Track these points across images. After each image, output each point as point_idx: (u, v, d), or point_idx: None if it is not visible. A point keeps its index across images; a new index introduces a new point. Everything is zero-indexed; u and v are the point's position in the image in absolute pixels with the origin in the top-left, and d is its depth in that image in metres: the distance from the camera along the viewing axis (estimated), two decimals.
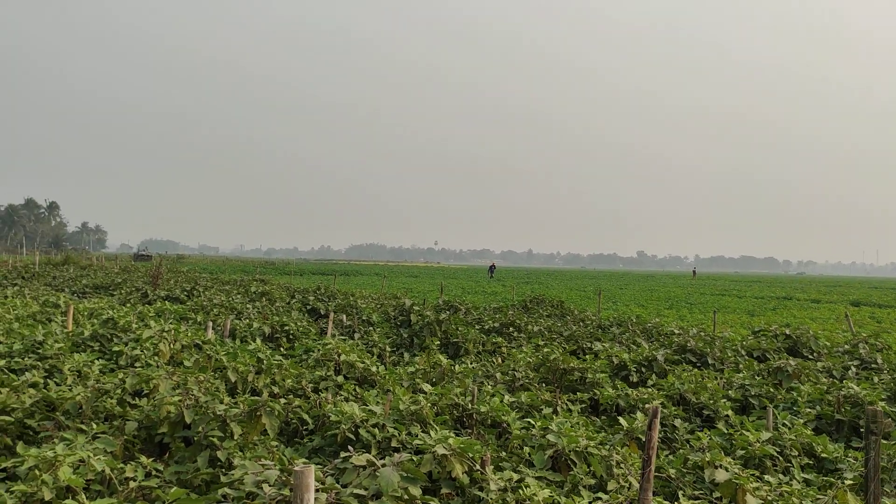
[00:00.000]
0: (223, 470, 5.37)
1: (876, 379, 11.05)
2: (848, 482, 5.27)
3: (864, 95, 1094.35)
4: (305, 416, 7.01)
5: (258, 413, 6.05)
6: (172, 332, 9.79)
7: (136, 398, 6.85)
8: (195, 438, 5.78)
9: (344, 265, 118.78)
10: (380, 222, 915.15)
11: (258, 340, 10.64)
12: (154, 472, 5.23)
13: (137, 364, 8.98)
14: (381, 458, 5.34)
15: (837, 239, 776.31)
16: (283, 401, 6.84)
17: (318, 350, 10.23)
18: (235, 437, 5.77)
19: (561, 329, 17.04)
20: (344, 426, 6.36)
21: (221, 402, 6.23)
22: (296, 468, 2.83)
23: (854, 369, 12.32)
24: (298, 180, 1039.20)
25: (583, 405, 9.16)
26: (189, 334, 10.25)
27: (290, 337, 13.50)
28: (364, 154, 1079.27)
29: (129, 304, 18.28)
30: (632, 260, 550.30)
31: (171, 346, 9.41)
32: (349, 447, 5.55)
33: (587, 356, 12.11)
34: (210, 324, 11.75)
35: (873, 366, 12.83)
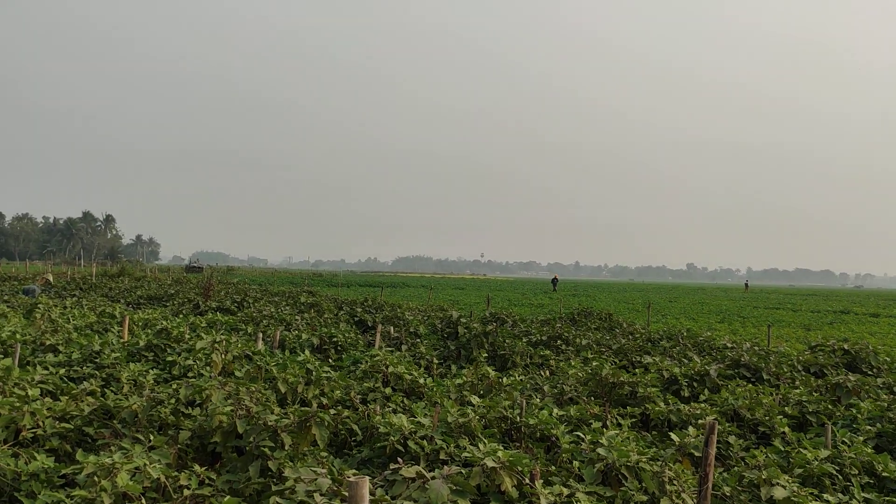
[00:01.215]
0: (274, 480, 5.43)
1: None
2: None
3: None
4: (354, 427, 7.06)
5: (308, 424, 6.11)
6: (224, 342, 9.98)
7: (190, 408, 6.99)
8: (247, 448, 5.86)
9: (391, 277, 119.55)
10: (426, 234, 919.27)
11: (307, 352, 10.75)
12: (207, 481, 5.33)
13: (190, 374, 9.18)
14: (429, 471, 5.34)
15: None
16: (332, 412, 6.90)
17: (366, 362, 10.30)
18: (286, 448, 5.84)
19: (610, 342, 16.83)
20: (392, 438, 6.38)
21: (272, 413, 6.31)
22: (350, 479, 2.86)
23: None
24: (346, 193, 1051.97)
25: (633, 420, 9.02)
26: (240, 345, 10.43)
27: (339, 348, 13.63)
28: (411, 168, 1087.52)
29: (181, 315, 18.72)
30: (681, 272, 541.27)
31: (223, 356, 9.59)
32: (398, 459, 5.57)
33: (637, 370, 11.94)
34: (260, 335, 11.94)
35: None
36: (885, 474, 6.80)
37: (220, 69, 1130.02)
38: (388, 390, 9.07)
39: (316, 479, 4.22)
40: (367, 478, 3.08)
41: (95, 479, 4.72)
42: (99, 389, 7.24)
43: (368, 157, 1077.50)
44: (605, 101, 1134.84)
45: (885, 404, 9.54)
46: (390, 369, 9.86)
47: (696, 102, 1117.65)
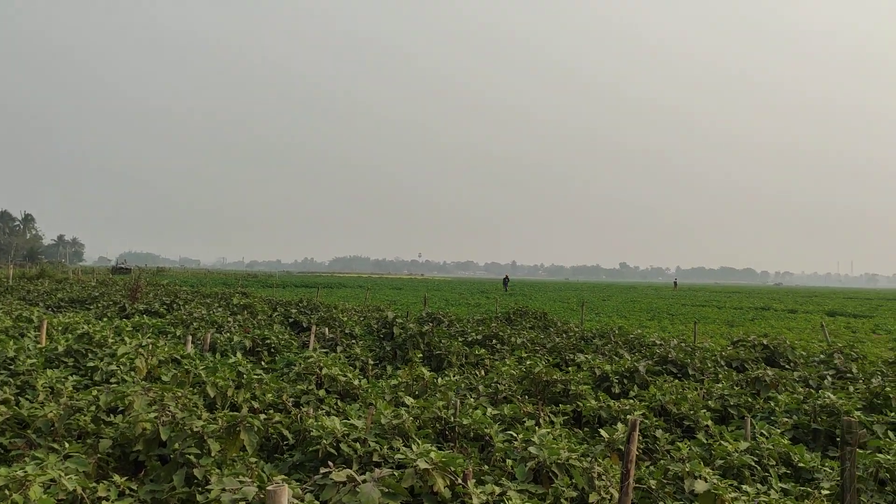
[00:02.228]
0: (200, 488, 5.30)
1: (851, 388, 11.18)
2: (825, 491, 5.31)
3: (839, 105, 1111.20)
4: (285, 432, 6.95)
5: (237, 429, 5.99)
6: (150, 346, 9.70)
7: (111, 415, 6.77)
8: (171, 456, 5.70)
9: (327, 277, 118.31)
10: (364, 234, 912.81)
11: (239, 354, 10.56)
12: (128, 492, 5.16)
13: (113, 380, 8.88)
14: (362, 474, 5.31)
15: (813, 250, 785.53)
16: (262, 416, 6.78)
17: (300, 364, 10.17)
18: (213, 454, 5.71)
19: (544, 341, 17.06)
20: (325, 441, 6.32)
21: (199, 419, 6.16)
22: (269, 487, 2.81)
23: (830, 379, 12.46)
24: (281, 192, 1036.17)
25: (565, 417, 9.17)
26: (167, 349, 10.15)
27: (272, 350, 13.42)
28: (347, 166, 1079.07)
29: (105, 319, 18.09)
30: (614, 271, 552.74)
31: (148, 361, 9.31)
32: (330, 462, 5.52)
33: (570, 368, 12.15)
34: (189, 338, 11.66)
35: (848, 375, 12.97)
36: (800, 465, 7.10)
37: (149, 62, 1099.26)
38: (321, 392, 8.98)
39: (241, 488, 4.14)
40: (286, 485, 3.03)
41: (6, 492, 4.51)
42: (13, 398, 6.93)
43: (304, 158, 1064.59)
44: (532, 105, 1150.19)
45: (801, 397, 9.95)
46: (324, 371, 9.76)
47: (621, 111, 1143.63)
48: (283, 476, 5.43)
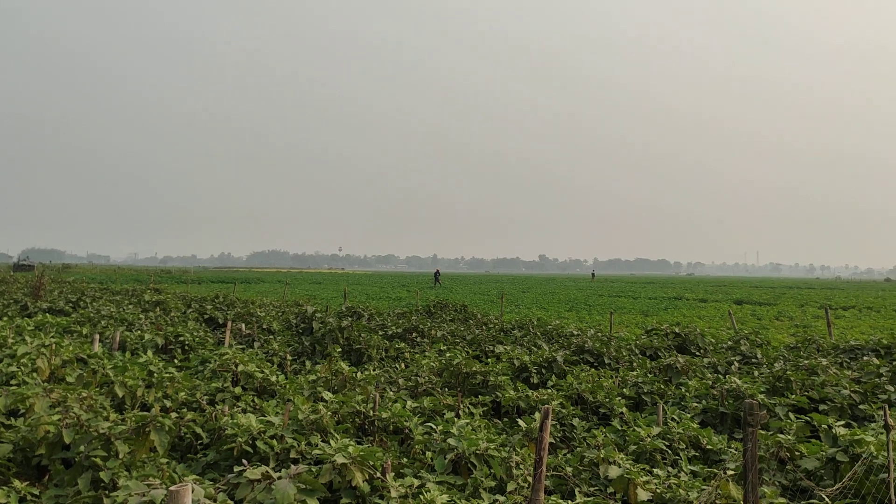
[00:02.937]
0: (107, 492, 5.08)
1: (756, 373, 11.70)
2: (730, 472, 5.53)
3: (773, 93, 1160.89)
4: (199, 431, 6.75)
5: (146, 429, 5.78)
6: (53, 346, 9.23)
7: (12, 419, 6.41)
8: (76, 459, 5.45)
9: (245, 273, 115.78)
10: (283, 229, 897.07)
11: (150, 352, 10.18)
12: (30, 497, 4.91)
13: (13, 382, 8.41)
14: (278, 471, 5.21)
15: (722, 241, 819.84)
16: (174, 415, 6.56)
17: (215, 360, 9.91)
18: (121, 457, 5.48)
19: (464, 333, 17.18)
20: (240, 439, 6.17)
21: (106, 420, 5.92)
22: (171, 488, 2.71)
23: (737, 364, 13.01)
24: (195, 185, 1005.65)
25: (485, 408, 9.26)
26: (72, 348, 9.69)
27: (186, 348, 13.01)
28: (265, 158, 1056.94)
29: (6, 318, 17.15)
30: (534, 264, 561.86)
31: (51, 361, 8.87)
32: (245, 461, 5.39)
33: (489, 359, 12.26)
34: (97, 336, 11.16)
35: (753, 360, 13.59)
36: (708, 447, 7.39)
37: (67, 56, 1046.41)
38: (237, 390, 8.76)
39: (149, 491, 3.99)
40: (190, 484, 2.94)
41: None
42: None
43: (218, 149, 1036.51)
44: (467, 87, 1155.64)
45: (710, 382, 10.36)
46: (240, 368, 9.54)
47: (555, 94, 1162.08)
48: (195, 476, 5.27)
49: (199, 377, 9.69)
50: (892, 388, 9.83)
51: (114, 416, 6.18)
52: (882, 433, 6.22)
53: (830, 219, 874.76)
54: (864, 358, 12.52)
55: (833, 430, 6.69)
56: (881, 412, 7.88)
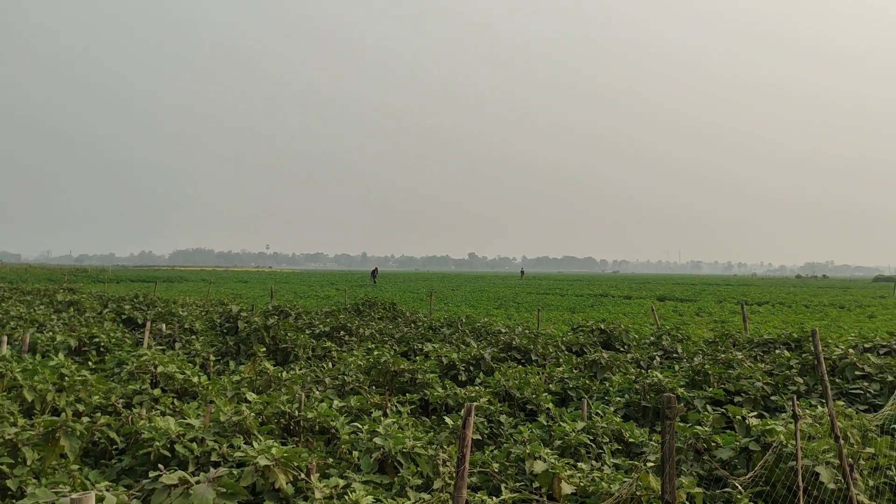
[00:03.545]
0: (14, 500, 4.83)
1: (677, 367, 12.07)
2: (650, 464, 5.67)
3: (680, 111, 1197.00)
4: (114, 435, 6.49)
5: (56, 434, 5.52)
6: None
7: None
8: None
9: (167, 271, 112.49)
10: (207, 226, 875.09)
11: (62, 355, 9.74)
12: None
13: None
14: (198, 475, 5.05)
15: (646, 240, 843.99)
16: (87, 419, 6.29)
17: (132, 362, 9.57)
18: (29, 463, 5.23)
19: (393, 331, 17.12)
20: (158, 443, 5.96)
21: (13, 425, 5.63)
22: (73, 496, 2.58)
23: (658, 359, 13.38)
24: (114, 179, 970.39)
25: (413, 406, 9.23)
26: None
27: (101, 350, 12.53)
28: (186, 151, 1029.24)
29: None
30: (464, 261, 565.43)
31: None
32: (163, 465, 5.21)
33: (418, 357, 12.25)
34: (5, 339, 10.63)
35: (675, 355, 14.01)
36: (631, 440, 7.56)
37: None
38: (157, 392, 8.48)
39: (56, 499, 3.80)
40: (94, 493, 2.81)
41: None
42: None
43: (138, 141, 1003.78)
44: (406, 72, 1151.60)
45: (633, 377, 10.62)
46: (160, 369, 9.24)
47: (477, 116, 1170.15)
48: (108, 482, 5.06)
49: (115, 380, 9.35)
50: (801, 380, 10.29)
51: (22, 422, 5.89)
52: (791, 423, 6.49)
53: (747, 217, 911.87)
54: (777, 351, 13.08)
55: (746, 421, 6.94)
56: (791, 402, 8.22)
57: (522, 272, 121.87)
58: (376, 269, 75.35)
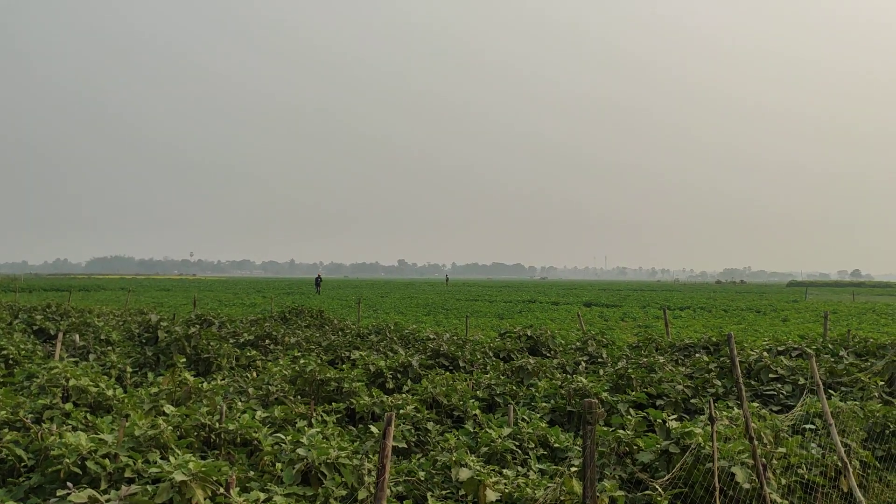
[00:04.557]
0: None
1: (601, 372, 12.29)
2: (574, 468, 5.75)
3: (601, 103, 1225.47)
4: (21, 452, 6.17)
5: None
6: None
7: None
8: None
9: (84, 280, 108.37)
10: (127, 232, 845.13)
11: None
12: None
13: None
14: (109, 493, 4.84)
15: (573, 246, 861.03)
16: None
17: (43, 375, 9.13)
18: None
19: (320, 339, 16.90)
20: (68, 460, 5.68)
21: None
22: None
23: (584, 364, 13.62)
24: (27, 181, 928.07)
25: (339, 415, 9.11)
26: None
27: (10, 362, 11.92)
28: (105, 152, 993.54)
29: None
30: (393, 268, 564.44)
31: None
32: (73, 483, 4.97)
33: (345, 366, 12.11)
34: None
35: (599, 360, 14.28)
36: (556, 445, 7.65)
37: None
38: (68, 406, 8.09)
39: None
40: None
41: None
42: None
43: (51, 139, 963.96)
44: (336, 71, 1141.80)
45: (559, 383, 10.76)
46: (72, 382, 8.83)
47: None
48: (15, 502, 4.80)
49: (24, 394, 8.89)
50: (719, 383, 10.64)
51: None
52: (709, 425, 6.69)
53: (670, 225, 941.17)
54: (697, 355, 13.50)
55: (667, 424, 7.12)
56: (708, 405, 8.48)
57: (447, 278, 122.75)
58: (320, 276, 70.32)
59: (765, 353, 11.85)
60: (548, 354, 15.71)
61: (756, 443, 5.97)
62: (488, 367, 13.26)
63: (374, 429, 7.34)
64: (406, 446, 7.79)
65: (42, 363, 11.02)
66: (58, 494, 4.46)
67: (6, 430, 6.81)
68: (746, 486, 5.93)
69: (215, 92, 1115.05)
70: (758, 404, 8.14)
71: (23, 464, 6.29)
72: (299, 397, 10.04)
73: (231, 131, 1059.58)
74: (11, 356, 11.97)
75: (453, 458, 6.41)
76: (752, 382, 10.86)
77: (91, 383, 8.89)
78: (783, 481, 6.41)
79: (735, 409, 8.35)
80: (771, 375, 11.00)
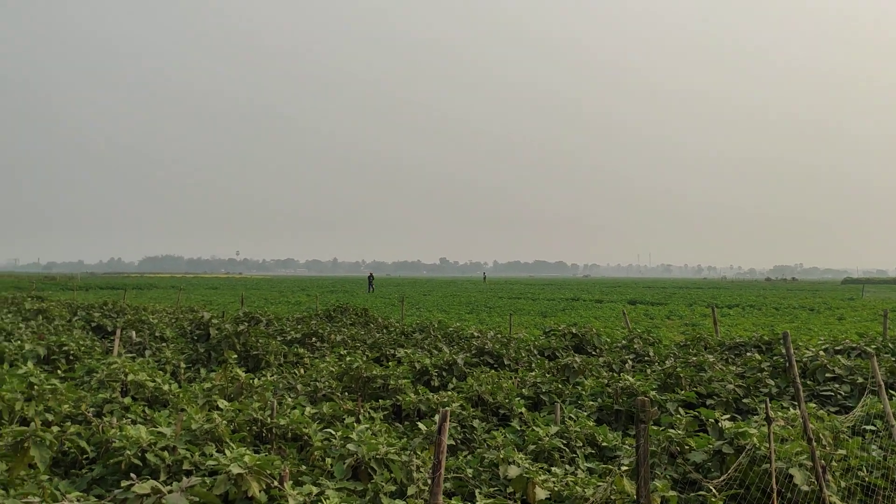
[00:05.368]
0: None
1: (648, 370, 12.17)
2: (624, 468, 5.72)
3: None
4: (84, 445, 6.39)
5: (25, 444, 5.42)
6: None
7: None
8: None
9: (137, 278, 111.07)
10: (177, 232, 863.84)
11: (30, 363, 9.57)
12: None
13: None
14: (170, 484, 4.99)
15: (617, 243, 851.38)
16: (56, 429, 6.18)
17: (103, 370, 9.43)
18: None
19: (364, 337, 17.05)
20: (129, 452, 5.88)
21: None
22: None
23: (630, 362, 13.50)
24: (83, 186, 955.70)
25: (385, 412, 9.20)
26: None
27: (71, 358, 12.33)
28: (155, 156, 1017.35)
29: None
30: (435, 266, 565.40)
31: None
32: (134, 475, 5.14)
33: (390, 363, 12.22)
34: None
35: (646, 358, 14.13)
36: (604, 444, 7.61)
37: None
38: (127, 400, 8.36)
39: None
40: (72, 502, 2.77)
41: None
42: None
43: (105, 147, 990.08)
44: (374, 90, 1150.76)
45: (605, 381, 10.69)
46: (130, 377, 9.12)
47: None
48: (79, 493, 4.98)
49: (85, 388, 9.20)
50: (772, 383, 10.44)
51: None
52: (764, 425, 6.58)
53: (717, 221, 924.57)
54: (748, 354, 13.26)
55: (719, 424, 7.02)
56: (763, 405, 8.34)
57: (485, 276, 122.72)
58: (372, 274, 68.22)
59: (821, 353, 11.58)
60: (593, 353, 15.60)
61: (815, 444, 5.86)
62: (533, 365, 13.23)
63: (421, 425, 7.40)
64: (453, 443, 7.84)
65: (101, 359, 11.37)
66: (122, 485, 4.62)
67: (69, 424, 7.06)
68: (805, 488, 5.82)
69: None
70: (814, 405, 7.96)
71: (85, 456, 6.52)
72: (346, 394, 10.17)
73: (274, 137, 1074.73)
74: (72, 352, 12.37)
75: (501, 456, 6.43)
76: (808, 382, 10.63)
77: (148, 378, 9.15)
78: (843, 484, 6.27)
79: (790, 409, 8.19)
80: (828, 375, 10.74)
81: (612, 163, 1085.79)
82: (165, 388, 9.10)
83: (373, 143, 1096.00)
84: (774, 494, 5.71)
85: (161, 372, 10.73)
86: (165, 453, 5.93)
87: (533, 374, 11.54)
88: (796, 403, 6.26)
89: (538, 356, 14.47)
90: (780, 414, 7.54)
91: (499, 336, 16.33)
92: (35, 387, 7.80)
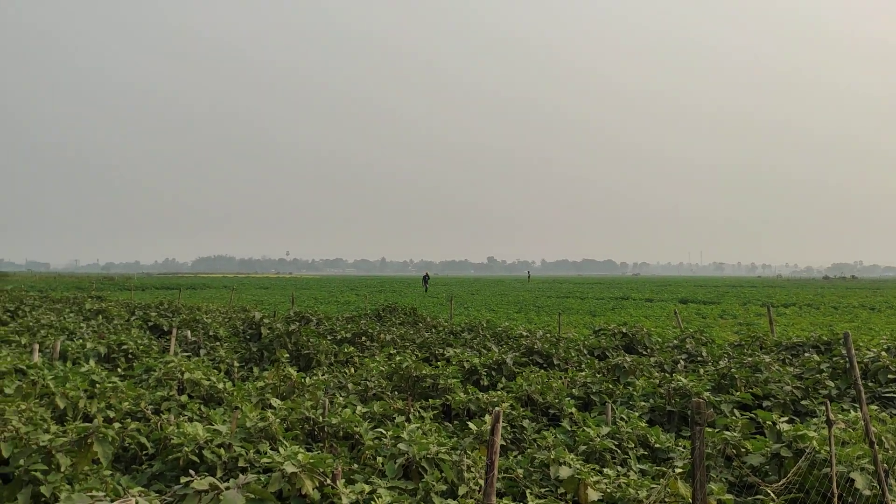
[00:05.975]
0: None
1: (702, 371, 11.94)
2: (678, 470, 5.63)
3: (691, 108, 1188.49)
4: (144, 441, 6.58)
5: (88, 440, 5.60)
6: None
7: None
8: (15, 474, 5.25)
9: (190, 278, 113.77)
10: (228, 233, 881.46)
11: (92, 362, 9.90)
12: None
13: None
14: (226, 480, 5.10)
15: (667, 241, 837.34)
16: (117, 425, 6.37)
17: (160, 369, 9.68)
18: (63, 469, 5.30)
19: (413, 336, 17.13)
20: (186, 448, 6.03)
21: (46, 432, 5.71)
22: (116, 503, 2.63)
23: (682, 363, 13.27)
24: (138, 189, 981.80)
25: (435, 411, 9.23)
26: (10, 359, 9.34)
27: (129, 356, 12.67)
28: (208, 159, 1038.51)
29: None
30: (482, 266, 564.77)
31: None
32: (192, 471, 5.26)
33: (439, 363, 12.25)
34: (36, 346, 10.77)
35: (699, 358, 13.88)
36: (656, 445, 7.50)
37: None
38: (183, 398, 8.57)
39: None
40: (135, 498, 2.86)
41: None
42: None
43: (160, 150, 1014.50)
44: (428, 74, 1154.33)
45: (657, 381, 10.54)
46: (186, 375, 9.34)
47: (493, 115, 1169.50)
48: (140, 488, 5.12)
49: (143, 386, 9.44)
50: (832, 384, 10.14)
51: (55, 429, 5.98)
52: (824, 428, 6.41)
53: (770, 218, 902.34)
54: (805, 354, 12.90)
55: (777, 426, 6.85)
56: (822, 407, 8.11)
57: (529, 275, 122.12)
58: (427, 274, 67.46)
59: (883, 353, 11.21)
60: (644, 352, 15.38)
61: (877, 447, 5.68)
62: (583, 365, 13.12)
63: (471, 425, 7.40)
64: (503, 443, 7.82)
65: (158, 357, 11.67)
66: (181, 481, 4.74)
67: (129, 420, 7.27)
68: (867, 492, 5.65)
69: (309, 93, 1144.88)
70: (876, 407, 7.72)
71: (144, 452, 6.71)
72: (396, 393, 10.24)
73: (322, 134, 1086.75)
74: (131, 350, 12.71)
75: (551, 456, 6.39)
76: (869, 384, 10.29)
77: (203, 377, 9.36)
78: None
79: (851, 411, 7.96)
80: (890, 376, 10.39)
81: (660, 161, 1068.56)
82: (220, 386, 9.29)
83: (420, 140, 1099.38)
84: (835, 499, 5.56)
85: (215, 371, 10.97)
86: (221, 450, 6.06)
87: (583, 373, 11.44)
88: (857, 405, 6.07)
89: (588, 356, 14.34)
90: (840, 416, 7.32)
91: (548, 335, 16.24)
92: (97, 385, 8.05)
